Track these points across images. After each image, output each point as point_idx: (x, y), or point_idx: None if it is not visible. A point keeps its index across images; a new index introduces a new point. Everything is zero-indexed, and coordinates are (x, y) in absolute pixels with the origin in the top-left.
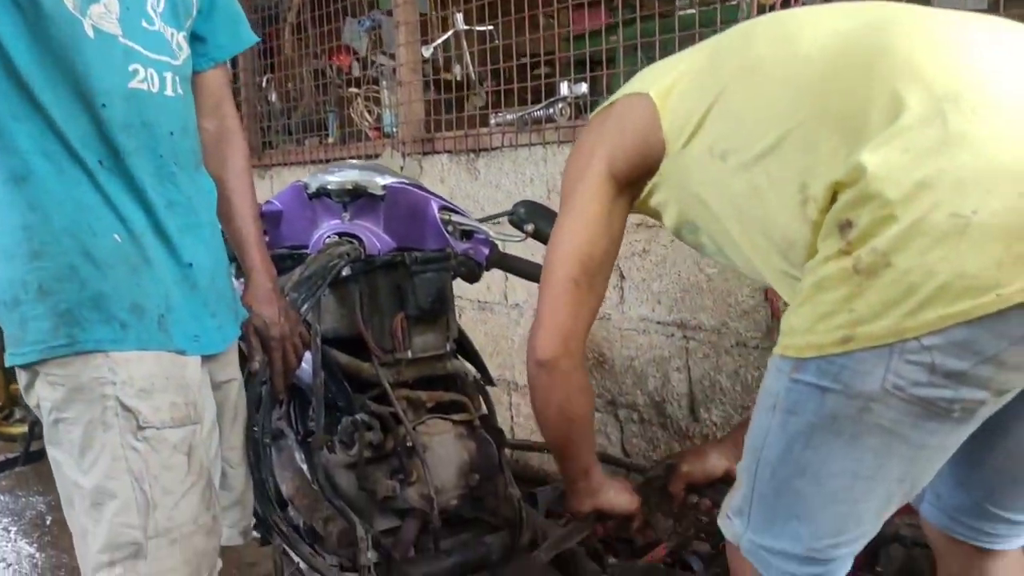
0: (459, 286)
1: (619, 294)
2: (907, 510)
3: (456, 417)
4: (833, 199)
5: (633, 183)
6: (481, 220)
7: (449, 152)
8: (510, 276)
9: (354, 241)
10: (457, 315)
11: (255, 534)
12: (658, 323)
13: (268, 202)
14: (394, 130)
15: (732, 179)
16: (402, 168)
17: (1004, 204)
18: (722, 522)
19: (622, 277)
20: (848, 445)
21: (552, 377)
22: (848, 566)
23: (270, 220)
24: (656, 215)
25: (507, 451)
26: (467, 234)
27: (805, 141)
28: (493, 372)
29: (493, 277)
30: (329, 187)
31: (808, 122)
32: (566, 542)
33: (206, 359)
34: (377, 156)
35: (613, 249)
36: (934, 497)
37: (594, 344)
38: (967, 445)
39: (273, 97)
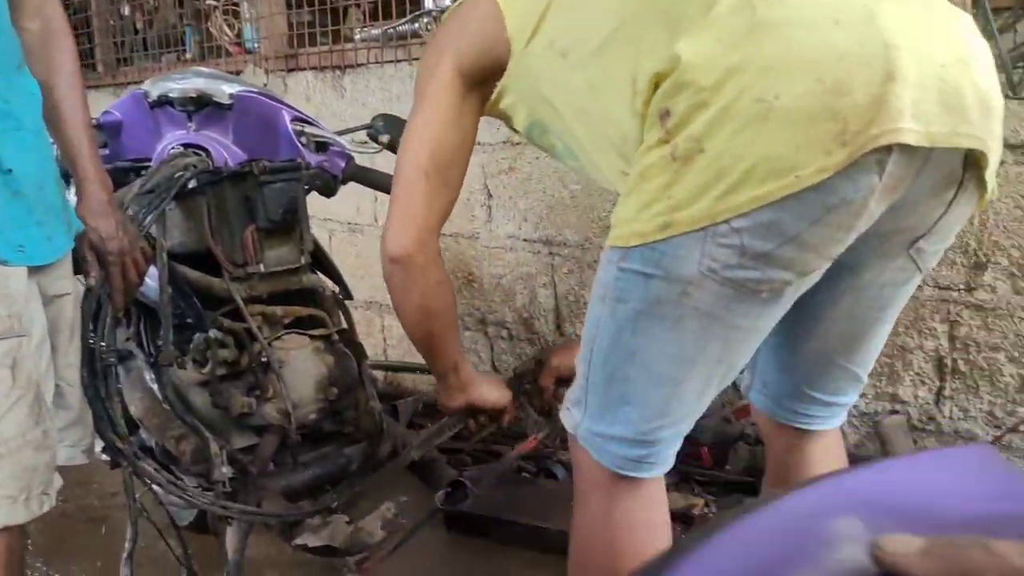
0: (329, 208)
1: (487, 212)
2: (748, 414)
3: (314, 332)
4: (655, 91)
5: (482, 83)
6: (339, 133)
7: (314, 69)
8: (380, 197)
9: (201, 153)
10: (328, 237)
11: (104, 456)
12: (525, 240)
13: (106, 112)
14: (255, 46)
15: (572, 76)
16: (265, 85)
17: (804, 89)
18: (563, 414)
19: (489, 195)
20: (671, 329)
21: (408, 273)
22: (675, 447)
23: (109, 131)
24: (507, 118)
25: (381, 374)
26: (322, 146)
27: (633, 35)
28: (364, 294)
29: (363, 199)
30: (172, 95)
31: (635, 15)
32: (428, 445)
33: (34, 271)
34: (239, 73)
35: (466, 145)
36: (761, 385)
37: (463, 263)
38: (787, 334)
39: (126, 11)
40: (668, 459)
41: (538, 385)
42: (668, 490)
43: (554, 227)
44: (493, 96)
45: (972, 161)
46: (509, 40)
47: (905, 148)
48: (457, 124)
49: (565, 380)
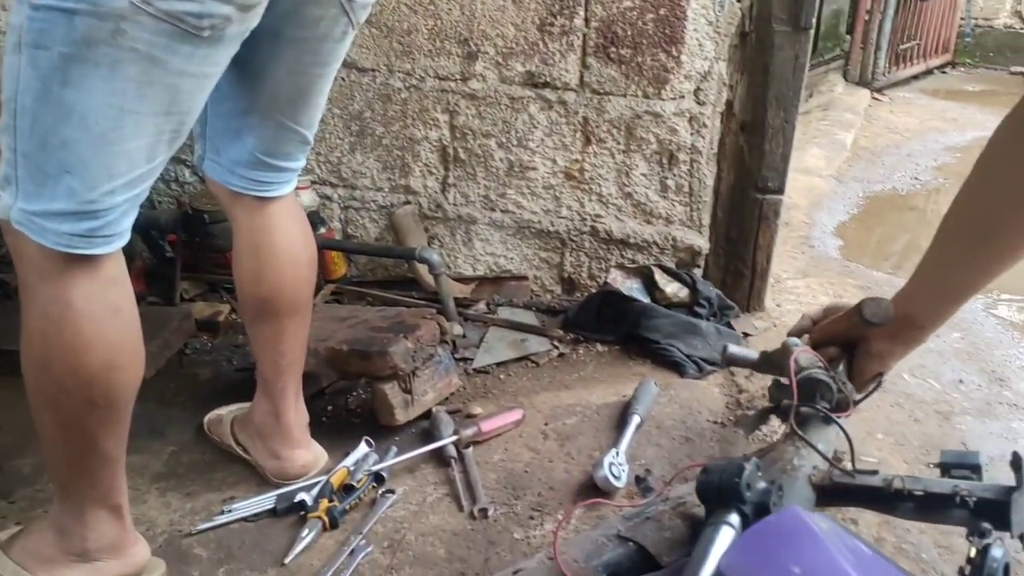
0: None
1: None
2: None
3: None
4: None
5: None
6: None
7: None
8: None
9: None
10: None
11: None
12: None
13: None
14: None
15: None
16: None
17: None
18: None
19: None
20: (108, 77)
21: None
22: (132, 216)
23: None
24: None
25: None
26: None
27: None
28: None
29: None
30: None
31: None
32: None
33: None
34: None
35: None
36: (215, 154)
37: None
38: (236, 97)
39: None
40: (125, 231)
41: None
42: (194, 300)
43: None
44: None
45: None
46: None
47: None
48: None
49: None
